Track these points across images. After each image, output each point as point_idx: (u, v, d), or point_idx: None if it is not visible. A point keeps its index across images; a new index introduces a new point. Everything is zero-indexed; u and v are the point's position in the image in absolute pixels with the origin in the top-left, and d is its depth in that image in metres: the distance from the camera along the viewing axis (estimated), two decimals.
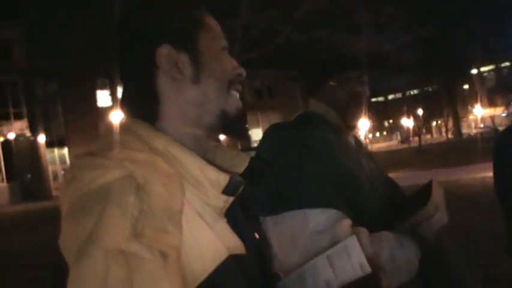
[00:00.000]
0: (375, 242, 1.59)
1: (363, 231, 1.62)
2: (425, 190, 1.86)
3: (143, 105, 1.15)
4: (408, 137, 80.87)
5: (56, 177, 34.48)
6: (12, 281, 8.95)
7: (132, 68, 1.18)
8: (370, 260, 1.25)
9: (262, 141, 1.97)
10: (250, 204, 1.27)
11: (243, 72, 1.22)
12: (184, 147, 1.09)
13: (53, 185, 33.88)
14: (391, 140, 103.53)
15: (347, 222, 1.69)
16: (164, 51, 1.13)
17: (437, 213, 1.78)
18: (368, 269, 1.23)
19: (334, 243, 1.46)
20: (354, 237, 1.28)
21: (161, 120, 1.14)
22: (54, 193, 32.09)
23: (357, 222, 1.71)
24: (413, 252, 1.68)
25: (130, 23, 1.19)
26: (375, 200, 1.88)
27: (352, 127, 2.08)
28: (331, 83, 2.06)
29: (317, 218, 1.67)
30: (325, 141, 1.88)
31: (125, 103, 1.19)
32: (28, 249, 11.99)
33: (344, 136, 2.04)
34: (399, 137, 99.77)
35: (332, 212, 1.69)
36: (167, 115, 1.15)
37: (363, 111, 2.07)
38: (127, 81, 1.19)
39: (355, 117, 2.06)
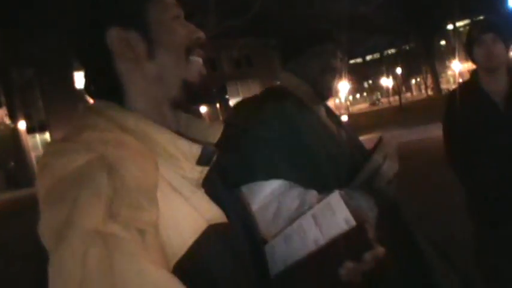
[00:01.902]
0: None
1: (312, 193, 1.71)
2: (377, 145, 1.94)
3: (107, 90, 1.15)
4: (378, 99, 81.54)
5: None
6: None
7: (89, 56, 1.17)
8: (354, 213, 1.26)
9: (233, 113, 2.06)
10: (228, 172, 1.28)
11: (202, 34, 1.21)
12: (154, 123, 1.10)
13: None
14: (371, 100, 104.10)
15: (295, 191, 1.77)
16: (113, 34, 1.12)
17: (385, 162, 1.85)
18: (353, 222, 1.24)
19: (279, 211, 1.65)
20: (337, 193, 1.29)
21: (127, 101, 1.15)
22: None
23: (315, 185, 1.79)
24: (365, 206, 1.73)
25: (77, 14, 1.18)
26: (338, 165, 1.95)
27: (324, 98, 2.14)
28: (305, 55, 2.09)
29: (263, 191, 1.77)
30: (282, 115, 1.93)
31: (90, 90, 1.19)
32: (15, 238, 11.94)
33: (313, 108, 2.10)
34: (379, 96, 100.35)
35: (277, 184, 1.78)
36: (131, 96, 1.15)
37: (335, 84, 2.12)
38: (87, 68, 1.19)
39: (327, 89, 2.09)
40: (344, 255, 1.23)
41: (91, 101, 1.17)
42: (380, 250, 1.25)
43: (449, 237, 5.13)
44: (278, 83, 2.20)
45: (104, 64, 1.14)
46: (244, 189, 1.67)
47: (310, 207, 1.36)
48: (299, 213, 1.38)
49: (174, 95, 1.17)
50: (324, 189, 1.56)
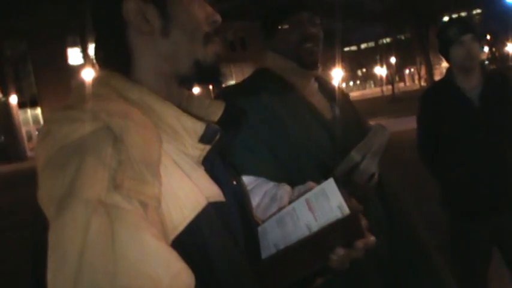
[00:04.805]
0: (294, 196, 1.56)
1: (284, 188, 1.63)
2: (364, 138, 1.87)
3: (115, 60, 1.15)
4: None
5: (30, 138, 34.10)
6: None
7: (102, 24, 1.17)
8: (349, 201, 1.27)
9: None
10: (228, 151, 1.28)
11: (219, 18, 1.20)
12: (159, 98, 1.09)
13: (27, 145, 33.56)
14: (364, 88, 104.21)
15: (263, 188, 1.70)
16: (131, 5, 1.11)
17: (364, 161, 1.80)
18: (347, 211, 1.25)
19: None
20: (332, 180, 1.30)
21: (134, 73, 1.14)
22: (29, 154, 31.81)
23: (293, 176, 1.76)
24: None
25: None
26: (318, 150, 1.93)
27: (310, 68, 2.07)
28: (282, 28, 2.05)
29: None
30: (257, 107, 1.89)
31: (99, 58, 1.19)
32: (5, 212, 11.93)
33: (300, 85, 2.06)
34: (372, 85, 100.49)
35: (250, 179, 1.71)
36: (140, 68, 1.14)
37: (319, 50, 2.07)
38: (99, 37, 1.19)
39: (311, 58, 2.04)
40: (336, 241, 1.25)
41: (83, 77, 1.16)
42: (371, 239, 1.27)
43: (440, 225, 5.19)
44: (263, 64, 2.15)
45: (117, 34, 1.14)
46: None
47: (298, 196, 1.37)
48: (267, 208, 1.39)
49: (184, 73, 1.17)
50: (303, 179, 1.53)
